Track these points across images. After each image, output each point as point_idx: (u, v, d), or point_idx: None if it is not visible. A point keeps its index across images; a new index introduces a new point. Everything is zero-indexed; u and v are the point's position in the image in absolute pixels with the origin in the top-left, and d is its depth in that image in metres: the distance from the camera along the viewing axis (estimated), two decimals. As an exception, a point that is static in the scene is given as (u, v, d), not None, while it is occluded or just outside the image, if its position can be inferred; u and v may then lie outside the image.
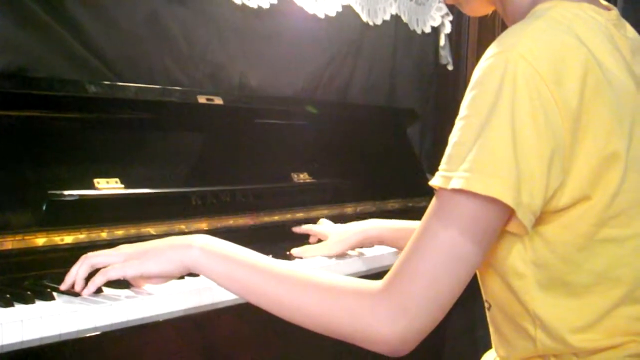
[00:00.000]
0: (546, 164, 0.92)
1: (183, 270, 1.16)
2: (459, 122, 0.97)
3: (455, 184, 0.92)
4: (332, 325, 1.01)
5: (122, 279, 1.19)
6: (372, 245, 1.74)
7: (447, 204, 0.95)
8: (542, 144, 0.92)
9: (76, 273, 1.20)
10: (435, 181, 0.96)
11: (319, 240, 1.74)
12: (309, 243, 1.74)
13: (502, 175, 0.91)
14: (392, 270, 0.98)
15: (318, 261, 1.62)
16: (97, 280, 1.17)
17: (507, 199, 0.91)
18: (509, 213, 0.95)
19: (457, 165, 0.93)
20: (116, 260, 1.19)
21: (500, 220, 0.96)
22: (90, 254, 1.22)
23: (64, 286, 1.20)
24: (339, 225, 1.73)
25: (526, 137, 0.91)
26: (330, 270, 1.59)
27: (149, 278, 1.20)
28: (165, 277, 1.20)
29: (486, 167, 0.91)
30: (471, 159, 0.92)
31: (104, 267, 1.19)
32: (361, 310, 0.98)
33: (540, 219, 0.97)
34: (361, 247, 1.73)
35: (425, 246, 0.95)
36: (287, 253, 1.65)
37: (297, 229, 1.79)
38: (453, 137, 0.96)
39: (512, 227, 0.96)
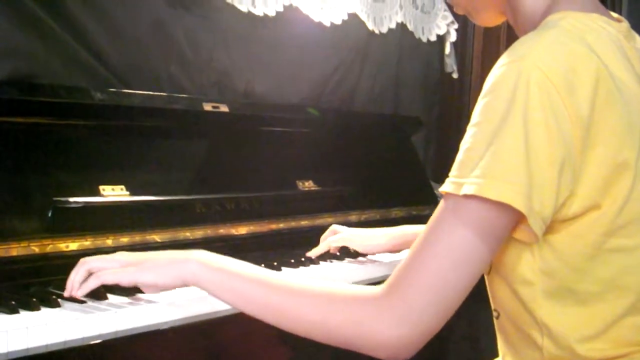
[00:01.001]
0: (557, 172, 0.92)
1: (179, 284, 1.15)
2: (470, 129, 0.97)
3: (467, 190, 0.92)
4: (333, 332, 1.00)
5: (116, 284, 1.18)
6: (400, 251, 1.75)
7: (456, 209, 0.94)
8: (553, 152, 0.92)
9: (73, 278, 1.20)
10: (445, 187, 0.96)
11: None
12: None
13: (515, 182, 0.91)
14: (394, 274, 0.98)
15: (332, 268, 1.62)
16: (91, 283, 1.17)
17: (519, 205, 0.91)
18: (517, 219, 0.95)
19: (468, 172, 0.93)
20: (113, 266, 1.18)
21: (509, 226, 0.96)
22: (87, 258, 1.21)
23: (66, 293, 1.20)
24: (364, 230, 1.74)
25: (538, 145, 0.91)
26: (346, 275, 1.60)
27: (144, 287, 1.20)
28: (160, 289, 1.19)
29: (499, 173, 0.91)
30: (483, 165, 0.92)
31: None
32: (362, 315, 0.98)
33: (550, 227, 0.97)
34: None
35: (430, 250, 0.95)
36: (292, 261, 1.65)
37: (314, 253, 1.75)
38: (465, 144, 0.97)
39: (522, 235, 0.96)
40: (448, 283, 0.94)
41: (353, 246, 1.73)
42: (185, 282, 1.14)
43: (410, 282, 0.95)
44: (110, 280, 1.16)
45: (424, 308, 0.94)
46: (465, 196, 0.93)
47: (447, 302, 0.95)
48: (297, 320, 1.04)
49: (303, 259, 1.67)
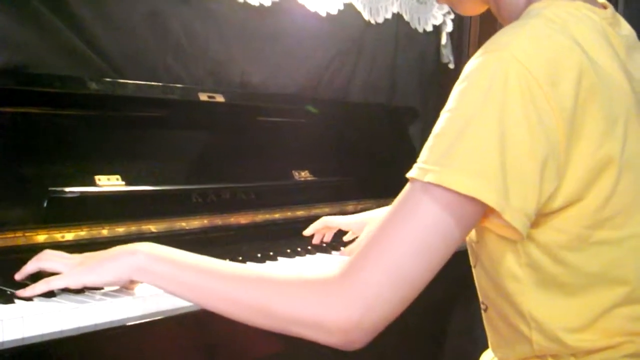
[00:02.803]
0: (539, 167, 0.90)
1: (125, 280, 1.14)
2: (443, 115, 0.94)
3: (431, 177, 0.90)
4: (283, 317, 0.97)
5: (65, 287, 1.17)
6: None
7: (420, 195, 0.92)
8: (535, 147, 0.89)
9: (25, 268, 1.21)
10: (411, 172, 0.94)
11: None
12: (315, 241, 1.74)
13: (484, 175, 0.88)
14: (353, 255, 0.95)
15: (328, 258, 1.62)
16: (38, 289, 1.16)
17: (489, 199, 0.88)
18: (487, 211, 0.92)
19: (435, 158, 0.91)
20: (62, 269, 1.17)
21: (476, 218, 0.93)
22: (43, 255, 1.21)
23: (18, 276, 1.21)
24: (370, 214, 1.70)
25: (518, 140, 0.89)
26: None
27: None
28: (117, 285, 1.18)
29: (467, 164, 0.89)
30: (453, 154, 0.89)
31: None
32: (314, 297, 0.94)
33: (532, 222, 0.94)
34: None
35: (390, 233, 0.92)
36: (288, 251, 1.64)
37: (315, 230, 1.73)
38: (435, 129, 0.94)
39: (506, 232, 0.95)
40: (407, 267, 0.91)
41: (348, 228, 1.71)
42: (130, 277, 1.12)
43: (366, 264, 0.92)
44: (58, 285, 1.16)
45: (380, 291, 0.91)
46: (430, 183, 0.90)
47: (404, 288, 0.92)
48: (247, 308, 1.00)
49: (299, 249, 1.68)
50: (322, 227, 1.73)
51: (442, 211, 0.90)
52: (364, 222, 1.67)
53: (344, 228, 1.71)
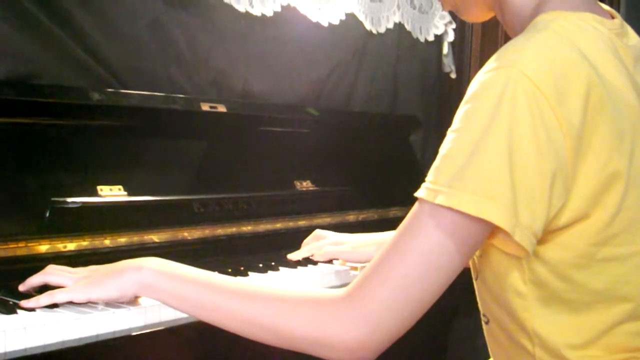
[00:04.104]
0: (548, 184, 0.89)
1: (131, 296, 1.14)
2: (450, 134, 0.94)
3: (442, 200, 0.89)
4: (291, 334, 0.98)
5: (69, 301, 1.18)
6: None
7: (430, 216, 0.91)
8: (543, 163, 0.89)
9: (30, 280, 1.22)
10: (420, 192, 0.93)
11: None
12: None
13: (496, 196, 0.88)
14: (360, 276, 0.96)
15: (330, 269, 1.62)
16: (42, 301, 1.16)
17: (501, 221, 0.88)
18: (495, 230, 0.92)
19: (445, 179, 0.91)
20: (67, 284, 1.18)
21: (483, 237, 0.93)
22: (49, 269, 1.22)
23: (22, 287, 1.22)
24: (353, 235, 1.66)
25: (526, 157, 0.88)
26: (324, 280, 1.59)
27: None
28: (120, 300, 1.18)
29: (479, 186, 0.88)
30: (463, 176, 0.89)
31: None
32: (322, 316, 0.95)
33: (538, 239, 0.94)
34: None
35: (399, 254, 0.92)
36: (287, 258, 1.64)
37: (295, 256, 1.66)
38: (443, 149, 0.94)
39: (511, 248, 0.94)
40: (414, 288, 0.92)
41: (341, 257, 1.62)
42: (135, 293, 1.13)
43: (375, 285, 0.93)
44: (63, 299, 1.16)
45: (386, 312, 0.92)
46: (441, 205, 0.90)
47: (410, 308, 0.93)
48: (252, 324, 1.01)
49: (300, 259, 1.67)
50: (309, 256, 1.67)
51: (451, 233, 0.90)
52: (355, 249, 1.58)
53: (334, 257, 1.63)
